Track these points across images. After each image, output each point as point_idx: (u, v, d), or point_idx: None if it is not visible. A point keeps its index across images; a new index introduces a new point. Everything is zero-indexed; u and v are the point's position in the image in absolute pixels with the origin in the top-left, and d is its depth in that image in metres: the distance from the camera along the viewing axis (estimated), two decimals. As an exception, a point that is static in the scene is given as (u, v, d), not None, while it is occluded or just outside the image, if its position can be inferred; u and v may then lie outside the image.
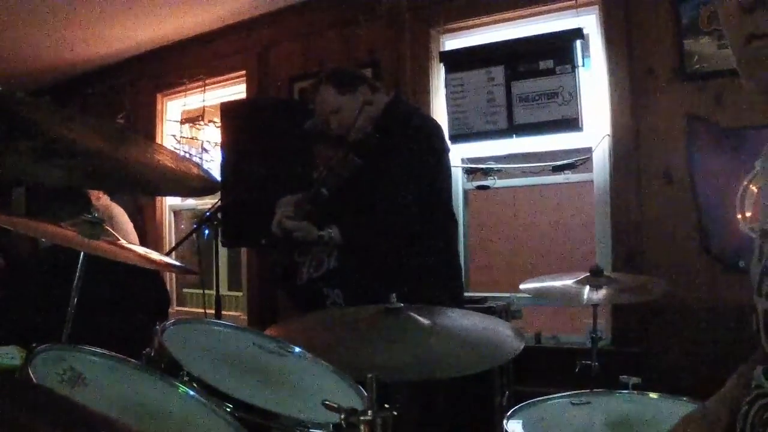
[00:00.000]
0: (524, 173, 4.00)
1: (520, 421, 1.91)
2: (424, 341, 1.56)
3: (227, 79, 5.33)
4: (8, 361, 2.00)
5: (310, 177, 3.23)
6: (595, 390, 2.19)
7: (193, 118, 5.52)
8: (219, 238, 3.61)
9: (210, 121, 5.34)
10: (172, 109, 5.78)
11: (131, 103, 5.88)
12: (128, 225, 4.98)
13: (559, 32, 3.75)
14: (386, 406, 1.06)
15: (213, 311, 3.51)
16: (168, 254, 3.84)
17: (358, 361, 1.48)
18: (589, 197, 3.85)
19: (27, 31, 5.02)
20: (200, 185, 2.11)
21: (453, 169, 3.20)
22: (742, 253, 3.23)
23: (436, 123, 3.06)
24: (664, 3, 3.49)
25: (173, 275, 5.50)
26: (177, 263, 2.57)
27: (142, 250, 1.94)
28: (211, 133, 5.33)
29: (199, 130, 5.43)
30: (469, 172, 4.14)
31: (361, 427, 1.04)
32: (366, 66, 4.33)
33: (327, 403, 1.11)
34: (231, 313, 5.21)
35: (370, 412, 1.04)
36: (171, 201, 5.76)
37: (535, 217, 4.38)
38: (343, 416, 1.06)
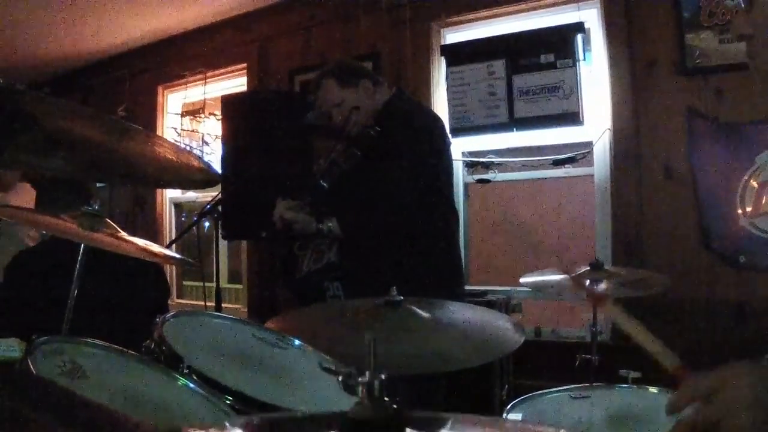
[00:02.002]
0: (525, 167, 4.00)
1: (520, 414, 1.91)
2: (424, 334, 1.56)
3: (228, 72, 5.32)
4: (8, 354, 2.00)
5: (310, 170, 3.23)
6: (594, 384, 2.20)
7: (193, 111, 5.51)
8: (219, 231, 3.60)
9: (210, 114, 5.34)
10: (173, 101, 5.78)
11: (132, 95, 5.87)
12: None
13: (560, 26, 3.74)
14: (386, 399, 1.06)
15: (213, 304, 3.52)
16: (168, 246, 3.84)
17: (357, 353, 1.48)
18: (589, 191, 3.85)
19: (27, 23, 5.01)
20: (201, 178, 2.11)
21: (453, 162, 3.20)
22: (742, 248, 3.23)
23: (438, 118, 3.05)
24: (666, -3, 3.49)
25: (174, 267, 5.51)
26: (177, 255, 2.57)
27: (142, 242, 1.94)
28: (212, 126, 5.32)
29: (199, 122, 5.43)
30: (470, 166, 4.14)
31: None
32: (367, 59, 4.32)
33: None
34: (231, 305, 5.22)
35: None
36: (172, 193, 5.76)
37: (535, 211, 4.38)
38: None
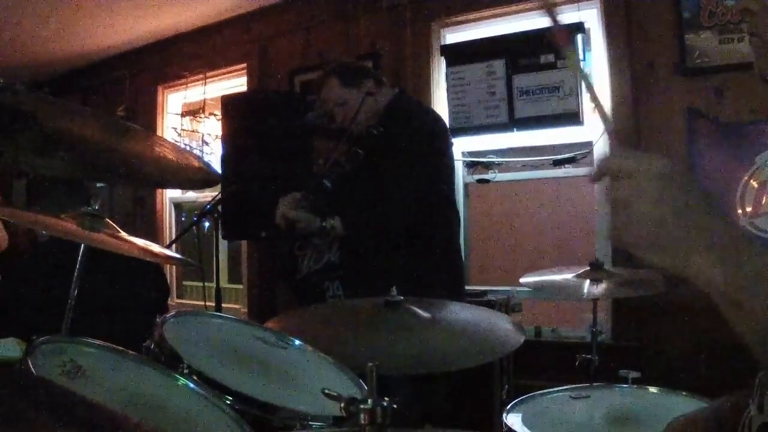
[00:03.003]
0: (525, 167, 4.00)
1: (520, 414, 1.91)
2: (424, 334, 1.56)
3: (228, 72, 5.32)
4: (8, 354, 2.00)
5: (310, 170, 3.23)
6: (594, 384, 2.20)
7: (193, 111, 5.51)
8: (219, 231, 3.61)
9: (210, 114, 5.34)
10: (173, 101, 5.78)
11: (132, 95, 5.87)
12: None
13: (560, 26, 3.73)
14: (386, 399, 1.06)
15: (213, 304, 3.52)
16: (168, 246, 3.84)
17: (358, 353, 1.48)
18: (589, 191, 3.85)
19: (27, 23, 5.01)
20: (201, 178, 2.11)
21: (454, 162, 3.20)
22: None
23: (439, 118, 3.05)
24: (666, -3, 3.48)
25: (174, 267, 5.51)
26: (177, 255, 2.57)
27: (142, 242, 1.94)
28: (212, 126, 5.33)
29: (199, 122, 5.43)
30: (470, 166, 4.14)
31: (361, 416, 1.04)
32: (367, 59, 4.33)
33: (327, 391, 1.11)
34: (231, 305, 5.21)
35: (370, 400, 1.04)
36: (172, 193, 5.76)
37: (535, 211, 4.38)
38: (343, 405, 1.06)
